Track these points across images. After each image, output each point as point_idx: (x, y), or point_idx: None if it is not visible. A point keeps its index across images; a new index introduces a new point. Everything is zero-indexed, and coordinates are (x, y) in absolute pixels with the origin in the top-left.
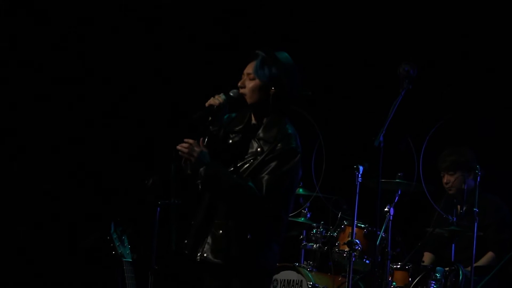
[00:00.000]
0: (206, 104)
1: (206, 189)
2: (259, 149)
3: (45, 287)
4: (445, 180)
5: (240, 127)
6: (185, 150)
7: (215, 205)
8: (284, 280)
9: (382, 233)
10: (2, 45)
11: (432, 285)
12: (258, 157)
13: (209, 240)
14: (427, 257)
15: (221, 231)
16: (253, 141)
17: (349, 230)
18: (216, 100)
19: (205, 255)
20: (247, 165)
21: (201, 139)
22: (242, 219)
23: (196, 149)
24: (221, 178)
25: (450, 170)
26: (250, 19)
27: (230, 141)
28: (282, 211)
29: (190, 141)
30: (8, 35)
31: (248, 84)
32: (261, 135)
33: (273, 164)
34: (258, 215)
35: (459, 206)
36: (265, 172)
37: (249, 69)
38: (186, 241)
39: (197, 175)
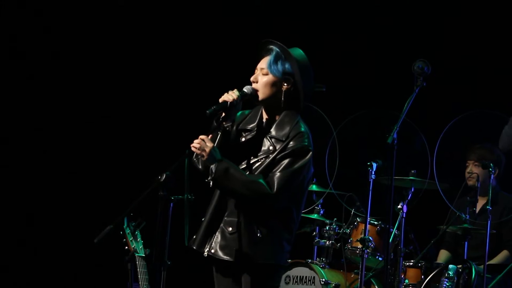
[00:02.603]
0: (220, 100)
1: (217, 186)
2: (271, 147)
3: (60, 283)
4: (468, 170)
5: (253, 125)
6: (197, 146)
7: (225, 202)
8: (297, 276)
9: (395, 230)
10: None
11: (445, 282)
12: (270, 156)
13: (218, 236)
14: (442, 255)
15: (230, 228)
16: (265, 139)
17: (362, 227)
18: (230, 96)
19: (212, 251)
20: (259, 163)
21: (212, 134)
22: (252, 216)
23: (208, 144)
24: (232, 174)
25: (477, 161)
26: (262, 15)
27: (243, 139)
28: (293, 208)
29: (203, 136)
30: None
31: (261, 79)
32: (273, 133)
33: (285, 161)
34: (268, 212)
35: (473, 204)
36: (277, 170)
37: (263, 64)
38: (194, 237)
39: (208, 172)
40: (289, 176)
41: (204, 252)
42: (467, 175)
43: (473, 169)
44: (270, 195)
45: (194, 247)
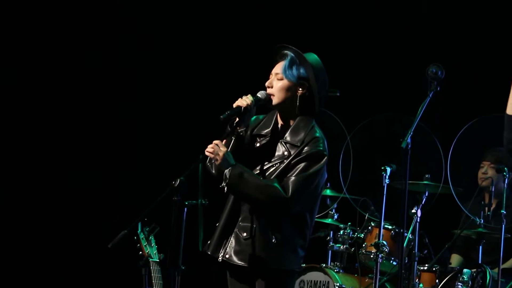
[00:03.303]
0: (234, 105)
1: (232, 191)
2: (286, 152)
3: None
4: (482, 171)
5: (268, 130)
6: (211, 150)
7: (240, 207)
8: (311, 281)
9: (409, 235)
10: None
11: (459, 287)
12: (285, 161)
13: (232, 241)
14: (454, 259)
15: (245, 234)
16: (279, 145)
17: (376, 231)
18: (244, 101)
19: (227, 256)
20: (274, 168)
21: (226, 139)
22: (267, 222)
23: (222, 149)
24: (247, 179)
25: (493, 163)
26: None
27: (258, 144)
28: (307, 214)
29: (217, 141)
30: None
31: (276, 84)
32: (288, 138)
33: (300, 166)
34: (283, 216)
35: (486, 208)
36: (292, 174)
37: (278, 69)
38: (209, 242)
39: (222, 177)
40: (304, 181)
41: (218, 257)
42: (481, 175)
43: (488, 171)
44: (285, 199)
45: (209, 252)
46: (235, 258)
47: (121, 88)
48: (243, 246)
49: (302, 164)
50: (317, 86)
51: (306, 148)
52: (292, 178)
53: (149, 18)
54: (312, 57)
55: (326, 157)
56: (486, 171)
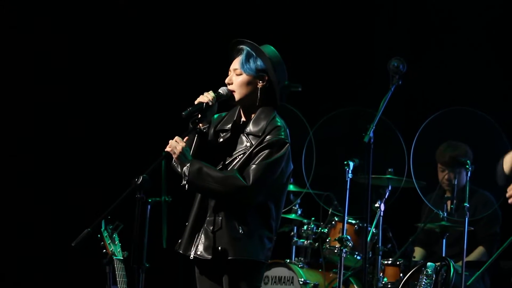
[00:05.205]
0: (196, 102)
1: (193, 187)
2: (248, 143)
3: (38, 286)
4: (446, 177)
5: (230, 125)
6: (168, 147)
7: (207, 203)
8: (275, 276)
9: (373, 229)
10: None
11: (424, 280)
12: (247, 152)
13: (202, 237)
14: (417, 252)
15: (211, 227)
16: (242, 136)
17: (340, 226)
18: (205, 97)
19: (198, 252)
20: (237, 160)
21: (188, 136)
22: (232, 214)
23: (180, 144)
24: (206, 173)
25: (449, 166)
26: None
27: (221, 139)
28: (272, 205)
29: (176, 137)
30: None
31: (236, 80)
32: (250, 129)
33: (261, 154)
34: (247, 206)
35: (449, 202)
36: (253, 163)
37: (235, 64)
38: (180, 241)
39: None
40: (265, 168)
41: (190, 255)
42: (444, 181)
43: (450, 175)
44: (246, 188)
45: (181, 251)
46: (205, 253)
47: (82, 85)
48: (212, 239)
49: (264, 152)
50: (276, 76)
51: (268, 137)
52: (253, 166)
53: (112, 14)
54: (269, 49)
55: (288, 144)
56: (450, 177)
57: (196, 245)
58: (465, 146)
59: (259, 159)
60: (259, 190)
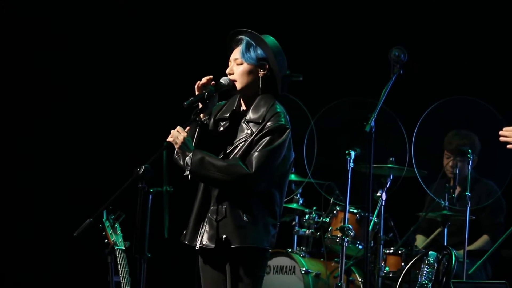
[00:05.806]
0: (197, 92)
1: (196, 177)
2: (248, 131)
3: (40, 276)
4: (450, 164)
5: (229, 113)
6: (170, 137)
7: (210, 193)
8: (277, 266)
9: (374, 218)
10: None
11: (425, 269)
12: (248, 139)
13: (206, 226)
14: (419, 240)
15: (216, 216)
16: (243, 124)
17: (341, 215)
18: (204, 79)
19: (204, 242)
20: (238, 148)
21: (189, 126)
22: (237, 202)
23: (182, 133)
24: (209, 162)
25: (454, 154)
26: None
27: (221, 128)
28: (275, 192)
29: (178, 127)
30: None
31: (237, 69)
32: (250, 117)
33: (262, 141)
34: (250, 193)
35: (451, 190)
36: (255, 150)
37: (236, 54)
38: (184, 232)
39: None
40: (268, 155)
41: (196, 245)
42: (449, 168)
43: (454, 164)
44: (249, 175)
45: (186, 242)
46: (210, 243)
47: (84, 76)
48: (216, 229)
49: (265, 139)
50: (277, 63)
51: (268, 123)
52: (255, 153)
53: (107, 10)
54: (268, 38)
55: (289, 130)
56: (454, 164)
57: (201, 235)
58: (473, 136)
59: (261, 146)
60: (262, 177)
